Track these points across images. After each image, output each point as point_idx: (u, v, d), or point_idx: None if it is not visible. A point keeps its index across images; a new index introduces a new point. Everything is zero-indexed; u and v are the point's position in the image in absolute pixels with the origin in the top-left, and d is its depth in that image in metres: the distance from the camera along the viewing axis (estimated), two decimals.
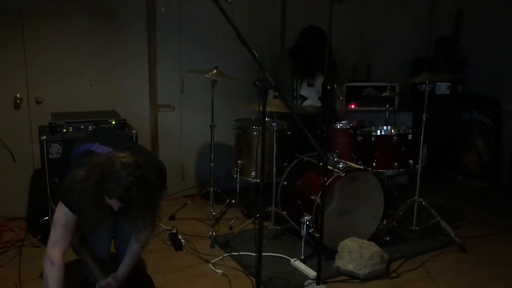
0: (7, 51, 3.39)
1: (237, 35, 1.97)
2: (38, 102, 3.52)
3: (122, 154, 2.01)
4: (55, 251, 2.13)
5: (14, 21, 3.37)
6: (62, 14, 3.52)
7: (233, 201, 3.75)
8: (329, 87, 2.43)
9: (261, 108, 2.01)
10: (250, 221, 3.46)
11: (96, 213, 2.01)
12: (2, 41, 3.36)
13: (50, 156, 3.01)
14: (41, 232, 3.14)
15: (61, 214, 2.13)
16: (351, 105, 4.45)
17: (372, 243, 2.96)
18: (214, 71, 3.40)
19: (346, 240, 2.94)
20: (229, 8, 1.95)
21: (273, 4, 4.39)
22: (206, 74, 3.39)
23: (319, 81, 3.94)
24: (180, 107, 4.10)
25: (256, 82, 1.93)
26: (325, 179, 2.57)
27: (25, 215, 3.54)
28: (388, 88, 3.79)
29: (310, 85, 3.94)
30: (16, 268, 2.67)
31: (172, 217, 3.68)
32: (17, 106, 3.47)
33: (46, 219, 3.09)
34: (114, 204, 1.99)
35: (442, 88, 4.74)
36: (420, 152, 3.40)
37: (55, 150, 3.01)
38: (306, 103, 3.95)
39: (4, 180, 3.43)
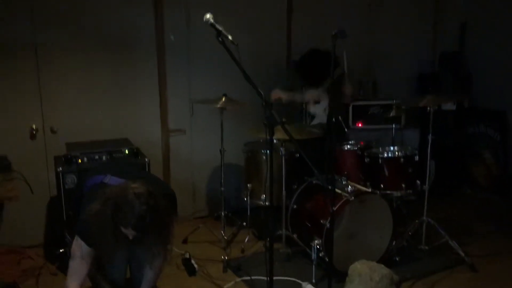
0: (23, 83, 3.51)
1: (244, 75, 2.03)
2: (53, 132, 3.62)
3: (134, 185, 2.08)
4: (73, 284, 2.24)
5: (28, 53, 3.49)
6: (75, 46, 3.63)
7: (244, 223, 3.82)
8: (334, 119, 2.48)
9: (268, 138, 2.06)
10: (261, 243, 3.52)
11: (113, 244, 2.09)
12: (17, 73, 3.48)
13: (66, 187, 3.10)
14: (59, 260, 3.24)
15: (78, 247, 2.22)
16: (358, 124, 4.50)
17: (382, 265, 2.99)
18: (223, 99, 3.48)
19: (356, 263, 2.97)
20: (235, 50, 2.02)
21: (278, 28, 4.49)
22: (215, 104, 3.48)
23: (325, 97, 3.99)
24: (190, 131, 4.19)
25: (264, 121, 2.01)
26: (334, 203, 2.63)
27: (43, 242, 3.64)
28: (394, 107, 3.84)
29: (317, 102, 4.00)
30: None
31: (184, 241, 3.75)
32: (33, 136, 3.57)
33: (62, 251, 3.18)
34: (129, 233, 2.06)
35: (449, 103, 4.78)
36: (427, 173, 3.44)
37: (71, 180, 3.11)
38: (314, 121, 4.02)
39: (22, 209, 3.51)
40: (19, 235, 3.55)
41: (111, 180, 2.36)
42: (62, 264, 3.17)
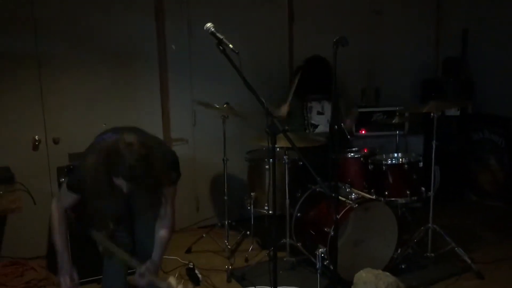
0: (25, 94, 3.53)
1: (245, 83, 2.03)
2: (56, 143, 3.63)
3: (127, 136, 2.04)
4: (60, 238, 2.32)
5: (31, 64, 3.51)
6: (77, 57, 3.65)
7: (248, 232, 3.80)
8: (336, 127, 2.47)
9: (270, 146, 2.05)
10: (265, 252, 3.50)
11: (108, 196, 2.05)
12: (20, 84, 3.50)
13: None
14: None
15: (65, 197, 2.29)
16: (361, 131, 4.49)
17: (388, 273, 2.96)
18: (225, 107, 3.48)
19: (361, 271, 2.95)
20: (236, 58, 2.01)
21: (279, 36, 4.50)
22: (217, 111, 3.48)
23: (328, 109, 4.00)
24: (193, 140, 4.19)
25: (266, 129, 2.00)
26: (338, 210, 2.61)
27: (46, 254, 3.62)
28: (397, 114, 3.82)
29: (320, 113, 4.01)
30: None
31: (188, 250, 3.74)
32: (35, 147, 3.58)
33: None
34: (122, 184, 2.02)
35: (452, 109, 4.77)
36: (432, 179, 3.41)
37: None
38: (318, 130, 4.01)
39: (24, 220, 3.50)
40: (22, 246, 3.55)
41: (109, 136, 2.27)
42: None
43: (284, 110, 3.90)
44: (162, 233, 2.43)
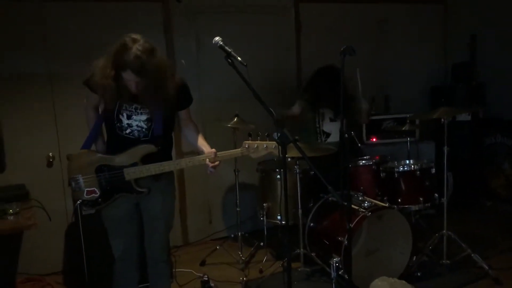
0: (39, 112, 3.60)
1: (254, 94, 2.05)
2: (70, 159, 3.66)
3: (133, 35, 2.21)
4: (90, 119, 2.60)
5: (43, 83, 3.59)
6: (87, 73, 3.70)
7: (262, 243, 3.79)
8: (346, 135, 2.48)
9: (281, 155, 2.06)
10: (279, 263, 3.49)
11: (115, 89, 2.22)
12: (33, 102, 3.57)
13: (84, 213, 3.12)
14: (78, 285, 3.25)
15: (88, 98, 2.50)
16: (372, 139, 4.48)
17: (404, 281, 2.94)
18: (235, 119, 3.51)
19: (376, 280, 2.93)
20: (245, 70, 2.04)
21: (286, 48, 4.53)
22: (227, 124, 3.51)
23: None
24: None
25: (276, 139, 2.01)
26: (351, 219, 2.60)
27: (62, 270, 3.66)
28: (408, 121, 3.82)
29: (332, 120, 4.00)
30: None
31: (202, 263, 3.74)
32: (49, 164, 3.62)
33: None
34: (129, 77, 2.16)
35: (463, 114, 4.74)
36: (445, 185, 3.39)
37: (88, 207, 3.11)
38: (330, 139, 4.00)
39: (40, 237, 3.53)
40: (38, 263, 3.58)
41: None
42: None
43: (296, 109, 3.92)
44: (192, 131, 2.57)
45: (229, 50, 2.06)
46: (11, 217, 2.47)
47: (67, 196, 3.61)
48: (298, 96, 4.07)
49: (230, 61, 2.06)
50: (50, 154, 3.61)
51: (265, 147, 2.37)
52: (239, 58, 2.04)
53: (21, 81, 3.53)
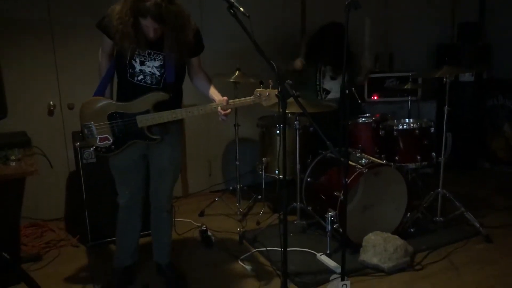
0: (39, 61, 3.55)
1: (256, 47, 2.03)
2: (70, 108, 3.68)
3: None
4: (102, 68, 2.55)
5: (44, 31, 3.53)
6: (90, 23, 3.63)
7: (259, 196, 3.86)
8: (347, 91, 2.47)
9: (281, 111, 2.07)
10: (276, 216, 3.57)
11: (134, 35, 2.22)
12: (34, 50, 3.52)
13: (84, 161, 3.16)
14: (80, 232, 3.34)
15: (103, 43, 2.47)
16: (373, 97, 4.46)
17: (396, 236, 3.02)
18: (237, 73, 3.48)
19: (370, 234, 3.01)
20: (247, 22, 2.01)
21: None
22: (229, 78, 3.50)
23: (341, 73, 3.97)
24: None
25: (277, 94, 2.01)
26: (348, 175, 2.64)
27: (64, 216, 3.74)
28: (410, 80, 3.79)
29: (333, 78, 3.97)
30: (58, 267, 2.90)
31: (201, 214, 3.82)
32: (51, 113, 3.64)
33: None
34: (149, 24, 2.18)
35: (466, 75, 4.70)
36: (443, 145, 3.41)
37: (89, 155, 3.16)
38: (330, 96, 4.00)
39: (42, 184, 3.60)
40: (41, 209, 3.66)
41: None
42: (83, 236, 3.29)
43: (298, 63, 3.90)
44: (202, 80, 2.62)
45: (232, 0, 2.03)
46: (14, 163, 2.50)
47: (68, 145, 3.65)
48: (301, 52, 4.03)
49: (232, 11, 2.03)
50: (51, 102, 3.62)
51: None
52: (241, 9, 2.01)
53: (21, 28, 3.47)
